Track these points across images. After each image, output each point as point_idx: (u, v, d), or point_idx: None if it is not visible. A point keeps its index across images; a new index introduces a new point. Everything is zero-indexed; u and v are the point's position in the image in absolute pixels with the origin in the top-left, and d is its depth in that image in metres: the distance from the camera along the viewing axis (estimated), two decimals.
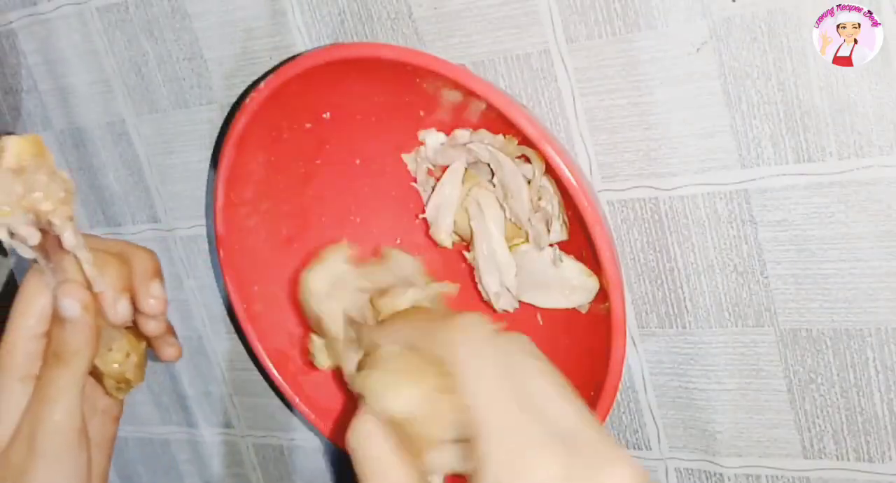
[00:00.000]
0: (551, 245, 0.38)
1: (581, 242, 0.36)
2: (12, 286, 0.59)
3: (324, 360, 0.36)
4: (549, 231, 0.38)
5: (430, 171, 0.41)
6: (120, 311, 0.35)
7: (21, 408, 0.34)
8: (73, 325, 0.34)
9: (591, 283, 0.37)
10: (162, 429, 0.57)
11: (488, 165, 0.38)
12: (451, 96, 0.37)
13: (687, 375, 0.39)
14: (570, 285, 0.37)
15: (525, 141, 0.35)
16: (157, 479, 0.58)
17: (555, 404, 0.26)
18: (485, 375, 0.26)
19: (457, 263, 0.42)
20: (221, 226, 0.41)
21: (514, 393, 0.26)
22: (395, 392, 0.28)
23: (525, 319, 0.40)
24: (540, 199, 0.38)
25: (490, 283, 0.39)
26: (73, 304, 0.34)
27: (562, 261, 0.38)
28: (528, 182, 0.38)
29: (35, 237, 0.33)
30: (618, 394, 0.35)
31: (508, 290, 0.38)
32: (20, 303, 0.35)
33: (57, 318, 0.34)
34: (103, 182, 0.52)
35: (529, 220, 0.38)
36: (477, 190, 0.38)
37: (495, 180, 0.38)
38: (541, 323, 0.40)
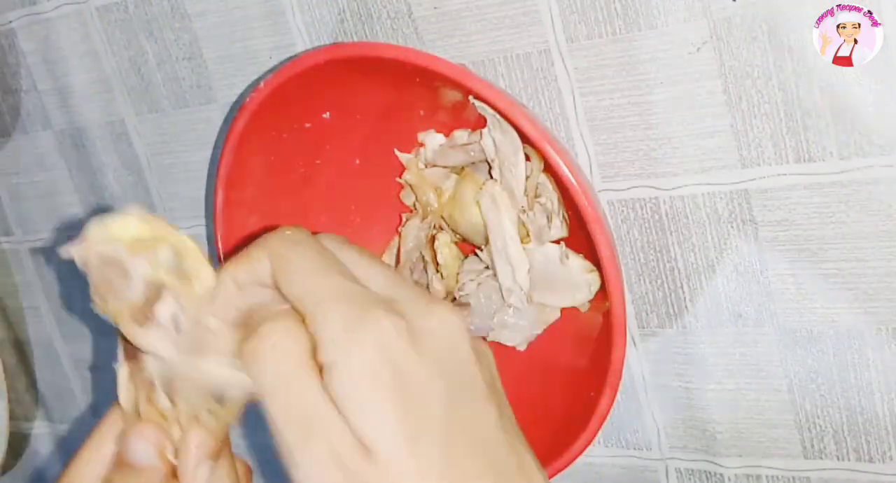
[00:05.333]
0: (556, 242, 0.38)
1: (581, 242, 0.36)
2: None
3: None
4: (549, 227, 0.38)
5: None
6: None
7: None
8: (141, 473, 0.30)
9: (593, 279, 0.37)
10: None
11: (487, 163, 0.38)
12: (450, 96, 0.37)
13: (687, 375, 0.39)
14: (574, 282, 0.37)
15: (525, 140, 0.35)
16: None
17: (370, 271, 0.28)
18: (298, 260, 0.28)
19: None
20: (221, 226, 0.41)
21: (333, 267, 0.28)
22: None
23: None
24: (539, 196, 0.37)
25: (503, 279, 0.38)
26: (146, 449, 0.30)
27: (567, 257, 0.38)
28: (527, 178, 0.38)
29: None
30: (618, 394, 0.35)
31: (521, 287, 0.38)
32: (84, 448, 0.31)
33: (122, 463, 0.30)
34: (103, 182, 0.52)
35: (528, 214, 0.38)
36: (489, 184, 0.38)
37: (494, 157, 0.38)
38: None
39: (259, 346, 0.27)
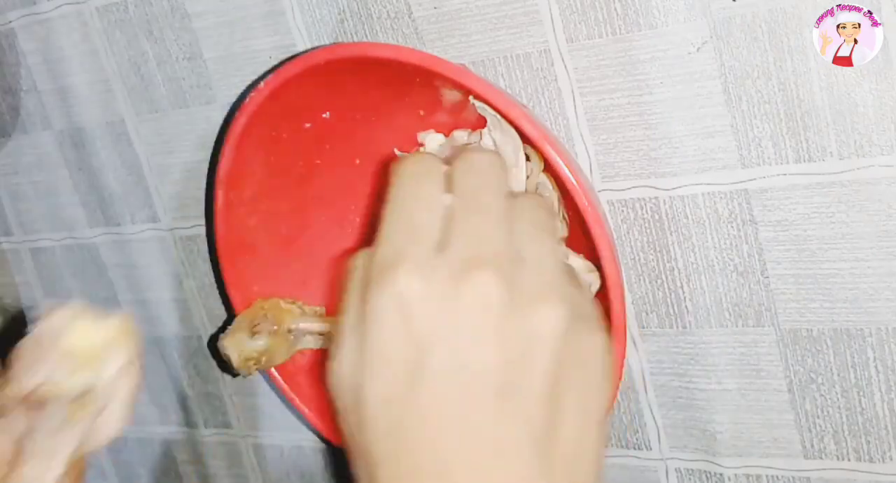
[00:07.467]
0: None
1: (581, 242, 0.36)
2: None
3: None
4: None
5: None
6: None
7: None
8: None
9: (593, 279, 0.37)
10: (162, 429, 0.56)
11: None
12: (450, 96, 0.37)
13: (687, 375, 0.39)
14: None
15: (525, 140, 0.35)
16: (156, 480, 0.58)
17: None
18: None
19: None
20: (221, 226, 0.41)
21: None
22: None
23: None
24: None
25: None
26: None
27: (567, 258, 0.38)
28: (527, 178, 0.38)
29: None
30: (618, 394, 0.35)
31: None
32: None
33: None
34: (103, 182, 0.52)
35: None
36: None
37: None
38: None
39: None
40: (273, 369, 0.43)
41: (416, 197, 0.28)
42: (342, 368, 0.27)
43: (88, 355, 0.31)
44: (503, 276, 0.25)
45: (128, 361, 0.31)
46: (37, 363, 0.30)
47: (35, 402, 0.30)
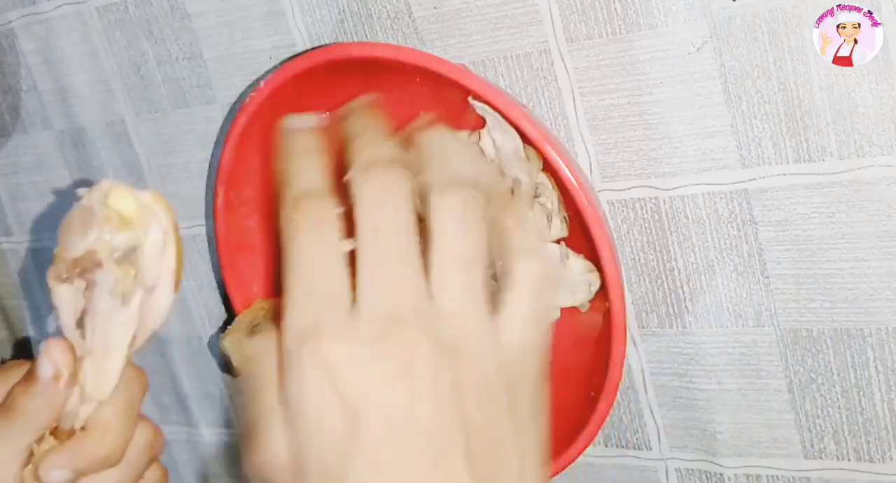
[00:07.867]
0: (556, 242, 0.38)
1: (581, 242, 0.36)
2: None
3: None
4: (549, 227, 0.38)
5: None
6: (72, 410, 0.32)
7: None
8: (38, 386, 0.31)
9: (593, 279, 0.37)
10: (162, 429, 0.56)
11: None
12: (450, 96, 0.37)
13: (687, 375, 0.39)
14: (574, 281, 0.37)
15: (525, 140, 0.35)
16: None
17: None
18: None
19: None
20: (221, 226, 0.41)
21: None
22: None
23: None
24: (539, 196, 0.38)
25: None
26: (47, 368, 0.31)
27: (567, 257, 0.38)
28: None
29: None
30: (618, 394, 0.35)
31: None
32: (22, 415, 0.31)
33: (29, 371, 0.31)
34: None
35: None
36: None
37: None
38: None
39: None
40: None
41: (312, 255, 0.26)
42: (275, 451, 0.25)
43: (130, 216, 0.31)
44: (426, 332, 0.25)
45: (166, 231, 0.31)
46: (84, 227, 0.31)
47: (86, 268, 0.30)
